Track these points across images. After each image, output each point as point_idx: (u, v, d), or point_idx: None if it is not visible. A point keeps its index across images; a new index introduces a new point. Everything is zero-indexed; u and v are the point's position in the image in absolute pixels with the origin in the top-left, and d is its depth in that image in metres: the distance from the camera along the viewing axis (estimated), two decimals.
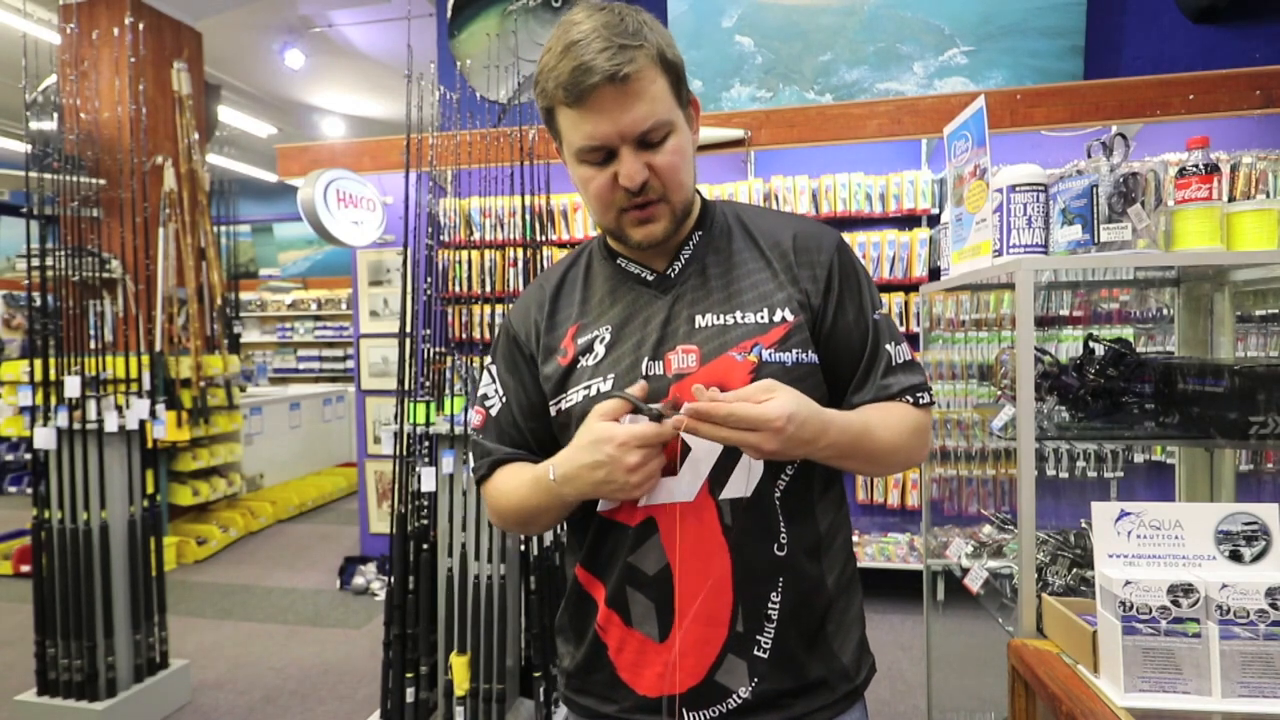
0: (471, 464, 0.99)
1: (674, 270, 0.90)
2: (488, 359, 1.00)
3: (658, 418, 0.75)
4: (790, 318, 0.85)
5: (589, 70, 0.75)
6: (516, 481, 0.89)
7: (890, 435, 0.85)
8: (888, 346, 0.89)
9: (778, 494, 0.84)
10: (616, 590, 0.86)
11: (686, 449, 0.82)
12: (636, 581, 0.85)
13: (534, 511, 0.88)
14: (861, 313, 0.89)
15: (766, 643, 0.83)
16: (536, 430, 0.93)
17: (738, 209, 0.95)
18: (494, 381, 0.97)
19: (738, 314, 0.86)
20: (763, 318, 0.85)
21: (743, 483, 0.83)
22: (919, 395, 0.89)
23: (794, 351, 0.85)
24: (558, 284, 0.95)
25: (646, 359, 0.85)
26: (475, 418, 0.98)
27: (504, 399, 0.95)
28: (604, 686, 0.89)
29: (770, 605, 0.83)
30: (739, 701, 0.83)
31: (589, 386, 0.86)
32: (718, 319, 0.86)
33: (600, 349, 0.87)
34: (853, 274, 0.90)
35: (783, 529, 0.84)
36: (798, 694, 0.85)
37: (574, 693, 0.93)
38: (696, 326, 0.86)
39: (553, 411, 0.90)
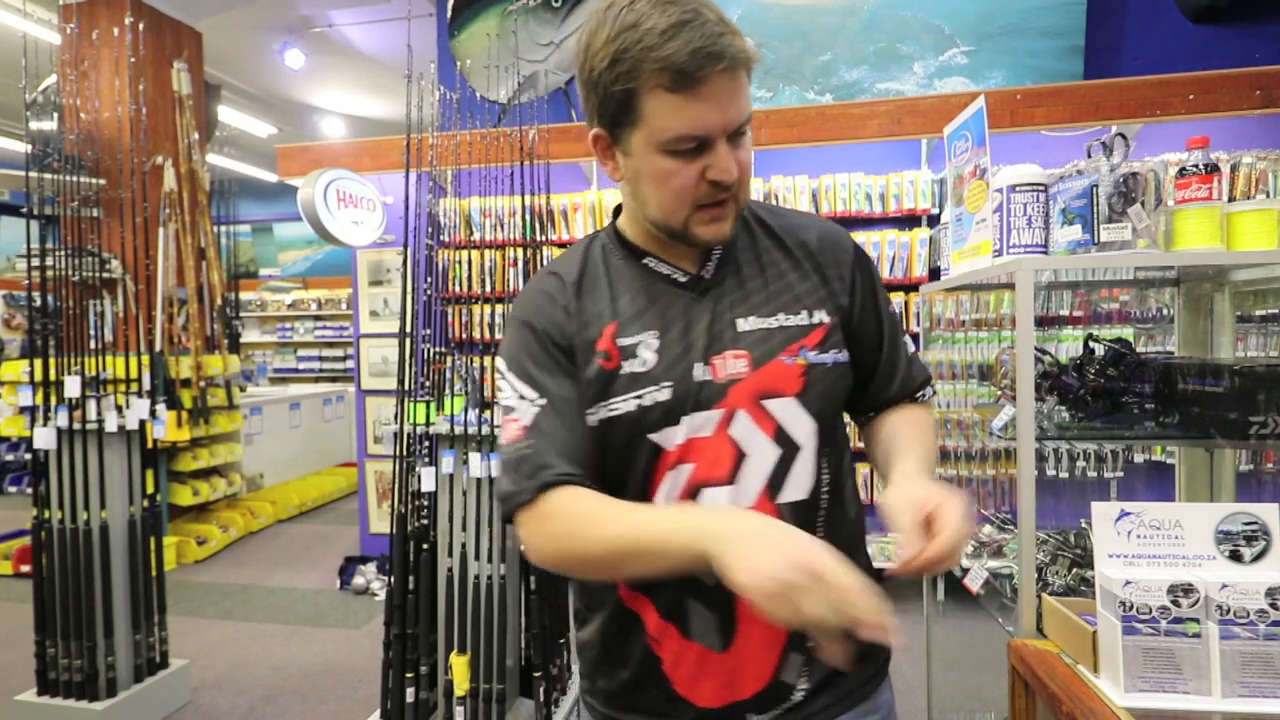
0: (506, 485, 0.80)
1: (708, 271, 0.87)
2: (500, 364, 0.87)
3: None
4: (826, 319, 0.86)
5: (713, 55, 0.71)
6: (614, 520, 0.74)
7: (932, 445, 0.91)
8: (904, 339, 0.95)
9: (823, 491, 0.85)
10: (674, 603, 0.82)
11: (741, 456, 0.81)
12: (697, 592, 0.81)
13: (639, 566, 0.73)
14: (881, 308, 0.93)
15: None
16: (588, 438, 0.83)
17: (754, 207, 0.94)
18: (526, 386, 0.83)
19: (780, 316, 0.85)
20: (802, 319, 0.86)
21: (800, 485, 0.83)
22: (930, 389, 0.97)
23: (832, 352, 0.86)
24: (578, 277, 0.88)
25: (697, 364, 0.82)
26: (509, 431, 0.82)
27: (544, 404, 0.82)
28: (658, 703, 0.85)
29: None
30: (800, 695, 0.83)
31: (641, 395, 0.81)
32: (761, 322, 0.85)
33: (649, 355, 0.82)
34: (871, 270, 0.93)
35: (825, 526, 0.86)
36: (843, 671, 0.85)
37: (619, 711, 0.88)
38: (740, 330, 0.84)
39: (593, 419, 0.83)
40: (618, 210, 0.94)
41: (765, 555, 0.62)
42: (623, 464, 0.84)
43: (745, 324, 0.84)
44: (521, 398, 0.82)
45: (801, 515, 0.83)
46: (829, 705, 0.85)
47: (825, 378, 0.85)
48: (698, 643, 0.82)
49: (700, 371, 0.82)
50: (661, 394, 0.81)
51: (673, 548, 0.69)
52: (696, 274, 0.87)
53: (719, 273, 0.87)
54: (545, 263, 2.65)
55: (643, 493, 0.83)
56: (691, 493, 0.82)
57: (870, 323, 0.91)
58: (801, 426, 0.83)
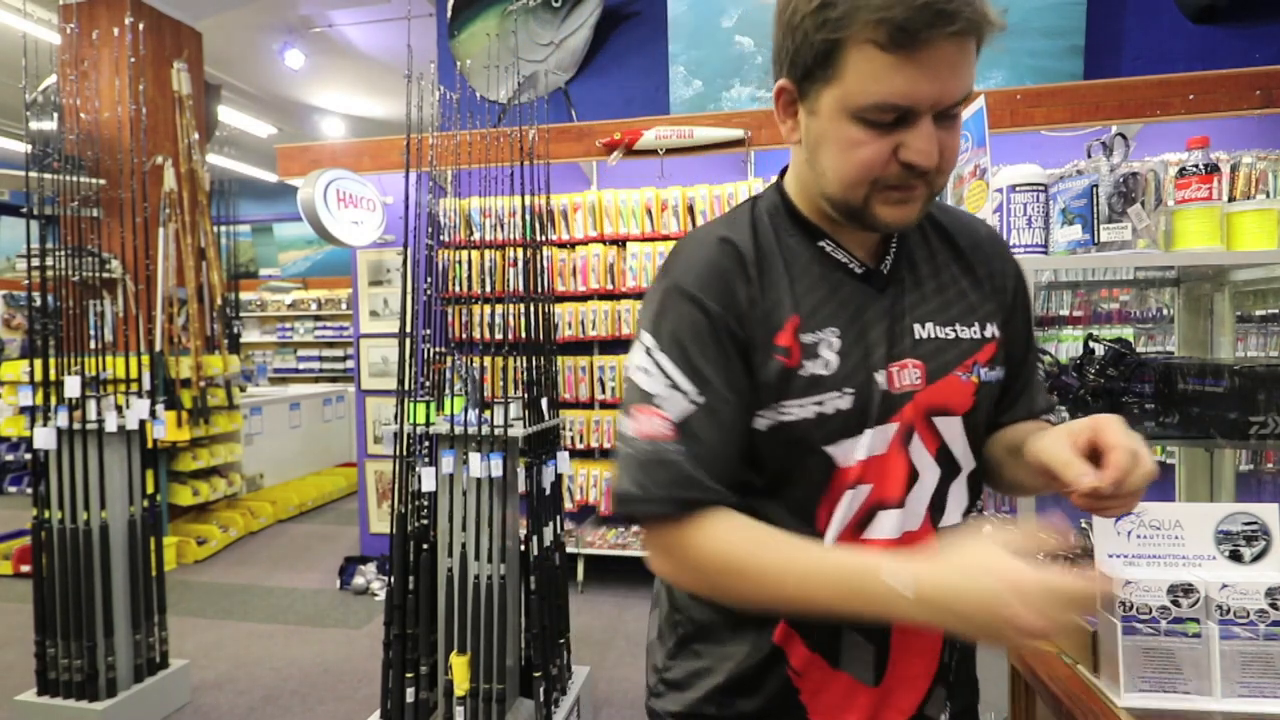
0: (631, 486, 0.71)
1: (886, 266, 0.78)
2: (648, 338, 0.74)
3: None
4: (997, 334, 0.81)
5: (944, 14, 0.59)
6: (783, 561, 0.67)
7: None
8: (1038, 363, 0.88)
9: (968, 515, 0.80)
10: (829, 635, 0.76)
11: (914, 476, 0.76)
12: (855, 625, 0.75)
13: (820, 611, 0.66)
14: (1030, 327, 0.87)
15: (953, 663, 0.81)
16: (743, 452, 0.74)
17: None
18: (683, 375, 0.71)
19: (957, 327, 0.79)
20: (976, 333, 0.79)
21: (956, 509, 0.79)
22: (1051, 416, 0.87)
23: (998, 369, 0.81)
24: (755, 255, 0.76)
25: (878, 371, 0.74)
26: (650, 423, 0.71)
27: (703, 403, 0.71)
28: None
29: None
30: None
31: (821, 402, 0.73)
32: (939, 331, 0.78)
33: (830, 355, 0.73)
34: (1027, 286, 0.88)
35: None
36: (973, 702, 0.87)
37: None
38: (918, 338, 0.77)
39: (762, 423, 0.74)
40: (783, 173, 0.84)
41: (982, 585, 0.58)
42: (790, 477, 0.75)
43: (922, 331, 0.77)
44: (674, 387, 0.71)
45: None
46: None
47: (989, 396, 0.80)
48: (845, 673, 0.77)
49: (880, 379, 0.74)
50: (843, 402, 0.73)
51: (875, 608, 0.63)
52: (875, 267, 0.78)
53: (896, 268, 0.79)
54: (545, 263, 2.66)
55: (813, 511, 0.75)
56: (867, 515, 0.75)
57: (1020, 345, 0.85)
58: (963, 446, 0.79)
